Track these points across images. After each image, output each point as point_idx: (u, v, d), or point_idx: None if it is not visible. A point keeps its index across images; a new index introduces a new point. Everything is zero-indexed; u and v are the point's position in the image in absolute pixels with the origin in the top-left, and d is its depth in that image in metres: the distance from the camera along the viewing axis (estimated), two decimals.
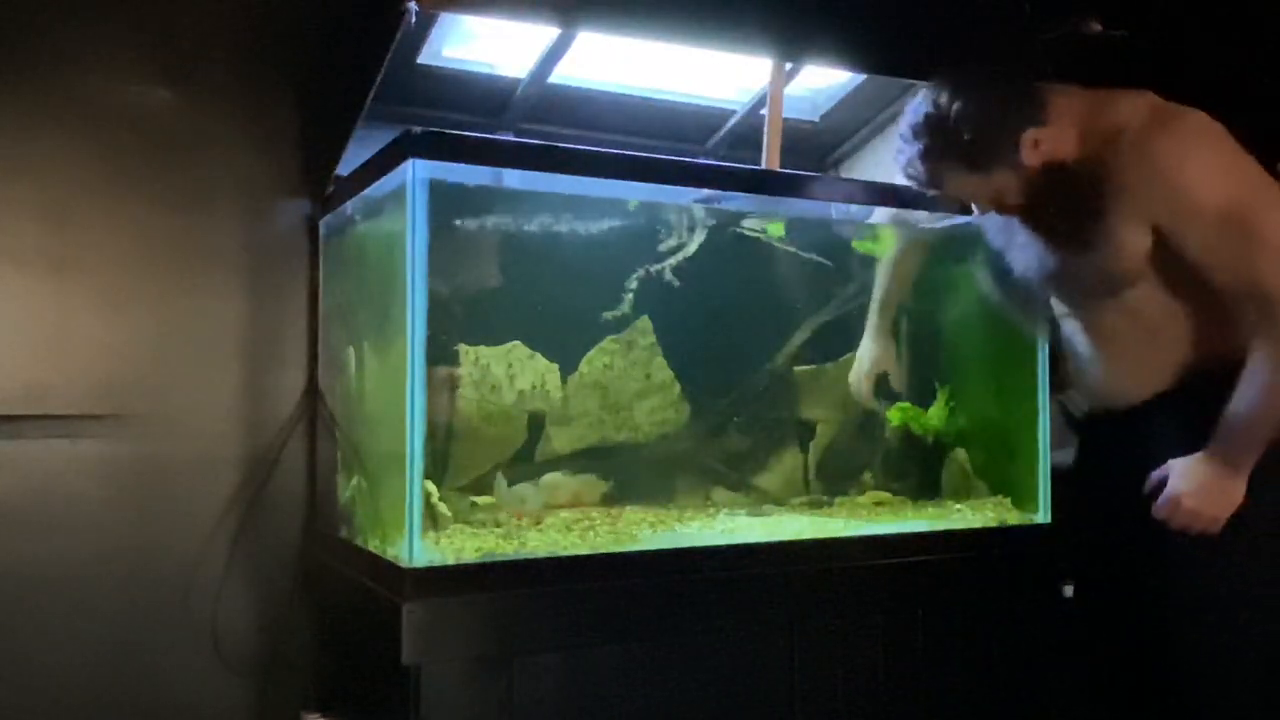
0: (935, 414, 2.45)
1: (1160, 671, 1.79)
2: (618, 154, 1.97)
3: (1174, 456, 1.74)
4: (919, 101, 1.79)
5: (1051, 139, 1.75)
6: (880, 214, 2.37)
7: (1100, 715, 1.93)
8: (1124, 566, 1.84)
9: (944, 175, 1.79)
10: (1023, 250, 1.88)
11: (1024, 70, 1.80)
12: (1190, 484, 1.70)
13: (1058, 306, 1.90)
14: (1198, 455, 1.71)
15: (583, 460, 2.26)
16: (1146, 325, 1.79)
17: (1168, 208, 1.68)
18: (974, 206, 1.89)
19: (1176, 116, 1.70)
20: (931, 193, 1.85)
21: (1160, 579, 1.78)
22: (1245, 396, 1.67)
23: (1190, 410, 1.74)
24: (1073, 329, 1.88)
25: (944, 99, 1.74)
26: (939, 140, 1.75)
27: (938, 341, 2.44)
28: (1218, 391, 1.69)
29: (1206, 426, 1.71)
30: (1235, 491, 1.70)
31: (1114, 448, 1.91)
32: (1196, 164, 1.66)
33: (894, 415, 2.45)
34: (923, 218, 2.26)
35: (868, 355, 2.34)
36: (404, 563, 1.71)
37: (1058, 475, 2.18)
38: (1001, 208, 1.83)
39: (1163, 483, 1.73)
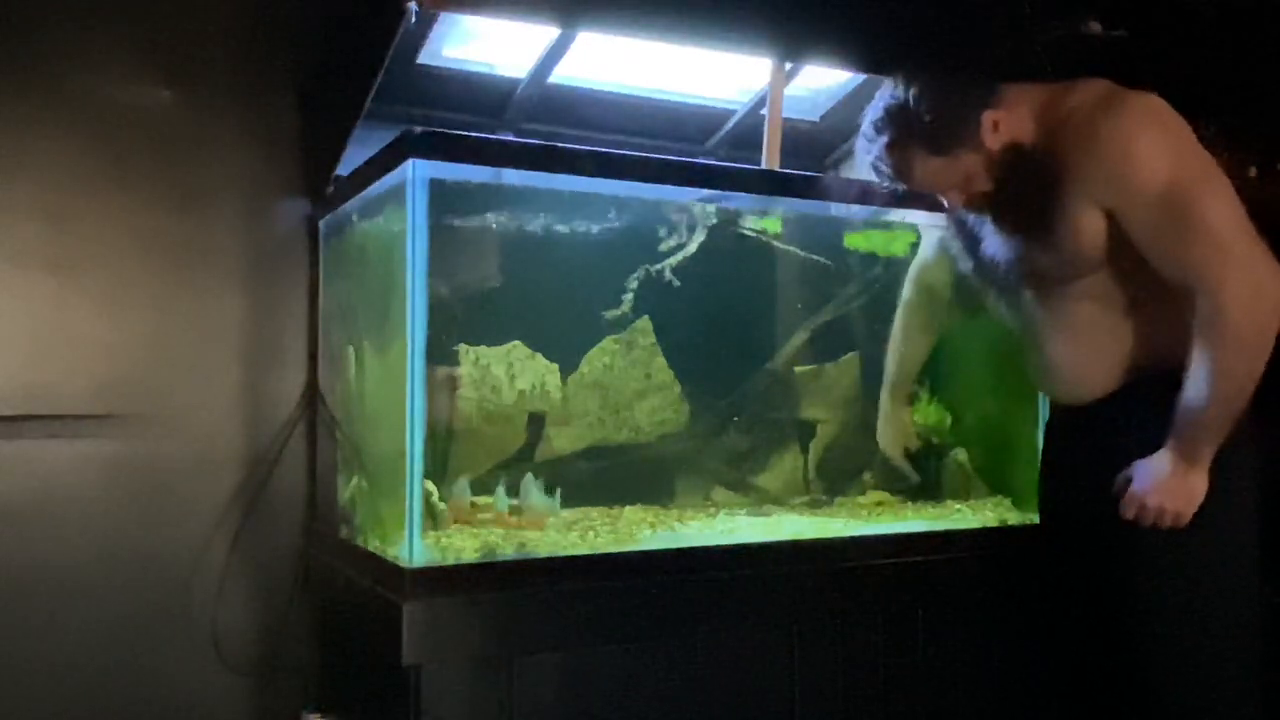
0: (921, 412, 2.44)
1: (1130, 660, 1.80)
2: (618, 154, 1.97)
3: (1134, 452, 1.75)
4: (878, 100, 1.83)
5: (1009, 121, 1.77)
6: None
7: (1091, 711, 1.93)
8: (1090, 561, 1.84)
9: (911, 164, 1.81)
10: (990, 239, 1.89)
11: (976, 57, 1.82)
12: (1152, 482, 1.70)
13: (1020, 299, 1.91)
14: (1158, 453, 1.71)
15: (583, 460, 2.26)
16: (1104, 317, 1.79)
17: (1113, 189, 1.68)
18: (945, 201, 1.90)
19: (1124, 98, 1.70)
20: (902, 187, 1.86)
21: (1126, 572, 1.78)
22: (1193, 388, 1.66)
23: (1149, 406, 1.75)
24: (1033, 321, 1.89)
25: (901, 89, 1.78)
26: (901, 128, 1.78)
27: (937, 342, 2.44)
28: (1175, 387, 1.69)
29: (1165, 422, 1.71)
30: (1197, 485, 1.70)
31: (1075, 443, 1.91)
32: (1141, 145, 1.66)
33: None
34: (922, 220, 2.26)
35: (887, 440, 2.33)
36: (404, 563, 1.71)
37: None
38: (969, 196, 1.84)
39: (1128, 484, 1.74)
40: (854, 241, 2.48)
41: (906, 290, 2.28)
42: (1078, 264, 1.76)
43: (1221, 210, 1.65)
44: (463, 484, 1.99)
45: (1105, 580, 1.81)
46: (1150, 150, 1.66)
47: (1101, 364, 1.82)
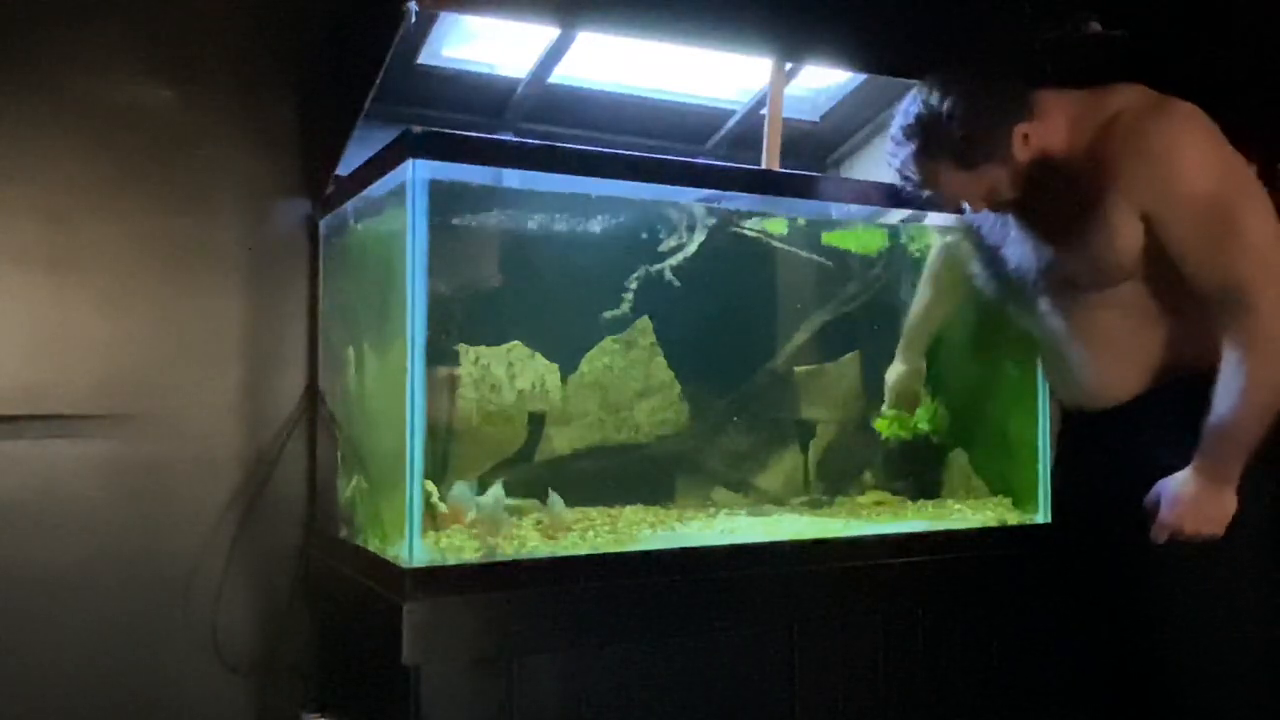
0: (922, 416, 2.44)
1: (1147, 671, 1.79)
2: (618, 154, 1.97)
3: (1155, 456, 1.74)
4: (909, 102, 1.80)
5: (1041, 133, 1.76)
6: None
7: (1095, 714, 1.93)
8: (1108, 568, 1.84)
9: (937, 175, 1.79)
10: (1016, 245, 1.88)
11: (1013, 67, 1.81)
12: (1183, 508, 1.69)
13: (1043, 305, 1.90)
14: (1184, 474, 1.70)
15: (583, 460, 2.26)
16: (1131, 325, 1.78)
17: (1158, 194, 1.67)
18: (966, 205, 1.89)
19: (1172, 104, 1.70)
20: (926, 193, 1.85)
21: (1146, 577, 1.78)
22: (1224, 403, 1.65)
23: (1169, 414, 1.74)
24: (1057, 328, 1.88)
25: (934, 98, 1.75)
26: (932, 140, 1.76)
27: (937, 341, 2.44)
28: (1198, 396, 1.68)
29: (1185, 430, 1.70)
30: (1228, 503, 1.69)
31: (1092, 448, 1.90)
32: (1188, 151, 1.66)
33: (882, 426, 2.43)
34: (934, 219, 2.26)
35: (895, 379, 2.33)
36: (404, 563, 1.71)
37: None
38: (994, 205, 1.83)
39: (1156, 507, 1.73)
40: (853, 241, 2.48)
41: (933, 253, 2.28)
42: (1111, 271, 1.74)
43: (1262, 222, 1.65)
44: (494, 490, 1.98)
45: (1122, 584, 1.80)
46: (1197, 157, 1.66)
47: (1124, 371, 1.81)
